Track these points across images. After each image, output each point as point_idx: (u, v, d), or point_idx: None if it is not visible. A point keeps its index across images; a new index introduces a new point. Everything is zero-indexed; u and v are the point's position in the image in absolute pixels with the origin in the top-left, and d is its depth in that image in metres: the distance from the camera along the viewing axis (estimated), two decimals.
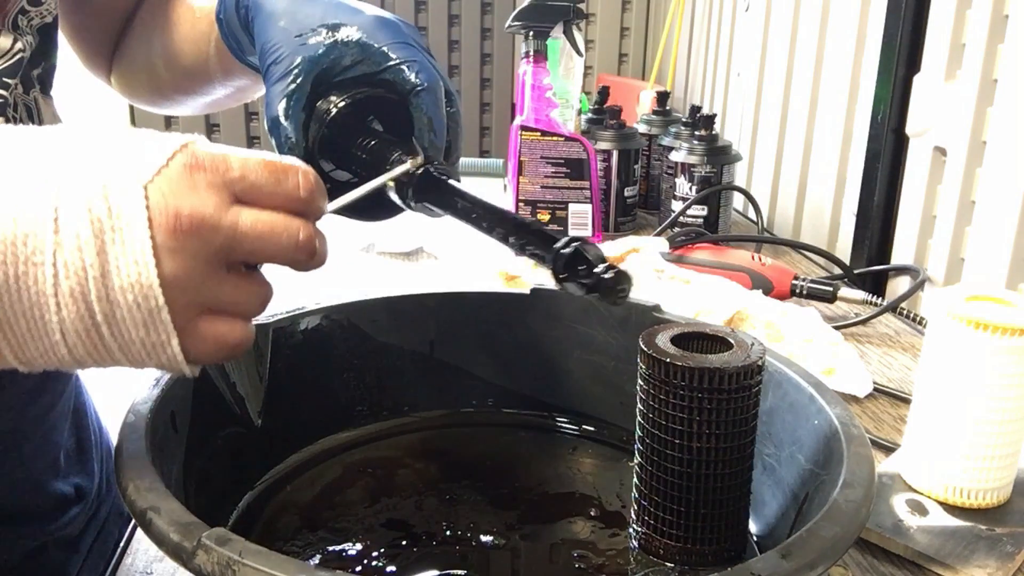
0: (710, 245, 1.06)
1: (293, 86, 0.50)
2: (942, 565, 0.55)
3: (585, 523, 0.55)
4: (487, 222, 0.46)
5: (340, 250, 1.13)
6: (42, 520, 0.69)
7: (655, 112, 1.47)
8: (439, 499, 0.57)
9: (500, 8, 2.19)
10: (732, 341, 0.47)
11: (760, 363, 0.45)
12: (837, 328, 0.88)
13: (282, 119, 0.50)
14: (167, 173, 0.37)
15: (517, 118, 1.18)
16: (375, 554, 0.51)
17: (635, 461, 0.49)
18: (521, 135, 1.16)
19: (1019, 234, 0.87)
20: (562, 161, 1.16)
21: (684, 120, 1.29)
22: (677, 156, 1.22)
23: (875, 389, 0.80)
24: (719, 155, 1.21)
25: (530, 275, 0.94)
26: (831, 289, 0.97)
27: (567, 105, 1.17)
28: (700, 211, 1.21)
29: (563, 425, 0.65)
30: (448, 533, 0.53)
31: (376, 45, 0.51)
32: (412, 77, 0.51)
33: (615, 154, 1.27)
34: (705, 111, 1.28)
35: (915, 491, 0.62)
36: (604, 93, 1.43)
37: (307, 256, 0.40)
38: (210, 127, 2.16)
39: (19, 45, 0.58)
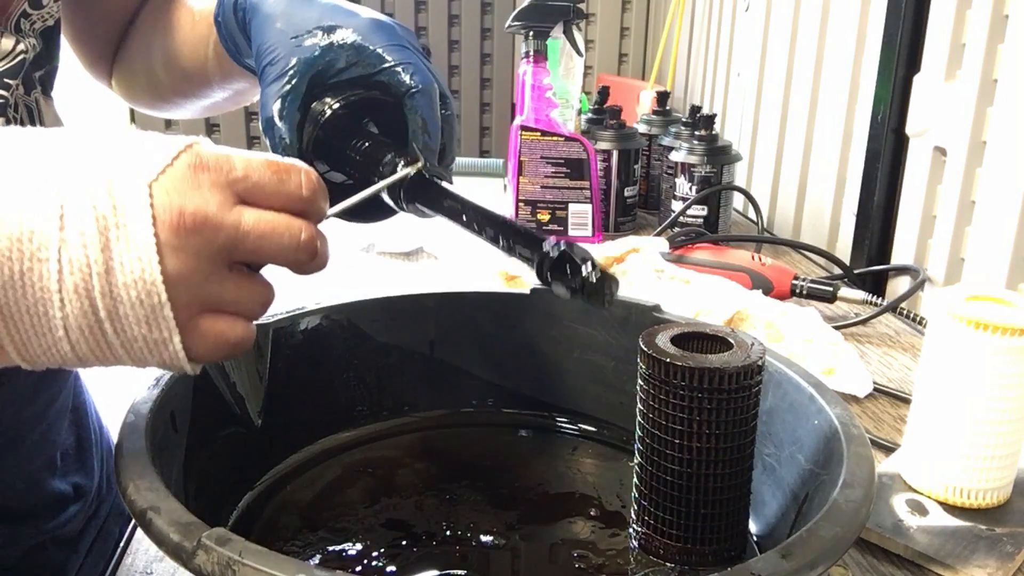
0: (710, 245, 1.06)
1: (288, 87, 0.50)
2: (942, 565, 0.55)
3: (585, 523, 0.55)
4: (477, 223, 0.46)
5: (340, 250, 1.13)
6: (40, 518, 0.69)
7: (655, 112, 1.47)
8: (439, 499, 0.57)
9: (500, 8, 2.19)
10: (732, 341, 0.47)
11: (760, 363, 0.45)
12: (837, 328, 0.88)
13: (277, 120, 0.50)
14: (171, 172, 0.37)
15: (517, 118, 1.18)
16: (375, 554, 0.51)
17: (635, 461, 0.49)
18: (521, 135, 1.16)
19: (1019, 234, 0.87)
20: (562, 161, 1.16)
21: (684, 120, 1.29)
22: (677, 156, 1.22)
23: (875, 389, 0.80)
24: (719, 155, 1.21)
25: (530, 275, 0.94)
26: (831, 289, 0.97)
27: (567, 105, 1.17)
28: (700, 211, 1.21)
29: (563, 425, 0.65)
30: (448, 533, 0.53)
31: (371, 47, 0.51)
32: (407, 79, 0.51)
33: (615, 154, 1.27)
34: (705, 111, 1.28)
35: (915, 491, 0.62)
36: (604, 93, 1.43)
37: (308, 256, 0.40)
38: (210, 128, 2.16)
39: (21, 47, 0.58)
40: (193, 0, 0.67)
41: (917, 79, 1.04)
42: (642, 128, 1.43)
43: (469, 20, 2.21)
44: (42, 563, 0.70)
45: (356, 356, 0.63)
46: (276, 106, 0.50)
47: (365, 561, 0.50)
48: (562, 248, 0.41)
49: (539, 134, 1.16)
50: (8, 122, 0.58)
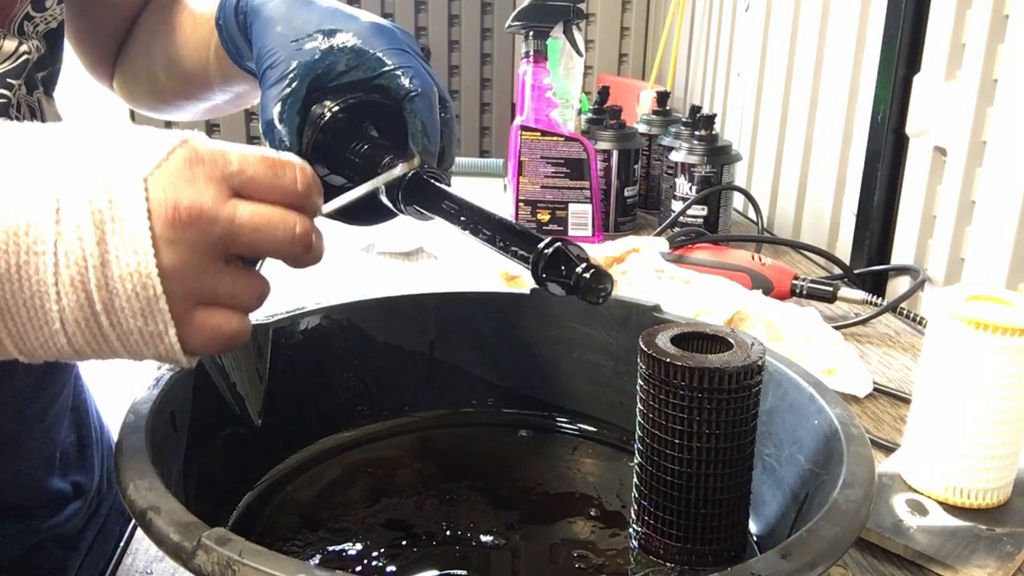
0: (710, 245, 1.06)
1: (288, 90, 0.50)
2: (942, 565, 0.55)
3: (585, 523, 0.55)
4: (474, 224, 0.46)
5: (340, 250, 1.13)
6: (40, 516, 0.69)
7: (655, 112, 1.47)
8: (439, 499, 0.57)
9: (500, 8, 2.19)
10: (732, 341, 0.47)
11: (760, 363, 0.45)
12: (837, 328, 0.88)
13: (277, 123, 0.50)
14: (167, 166, 0.37)
15: (517, 118, 1.18)
16: (375, 554, 0.51)
17: (635, 461, 0.49)
18: (521, 135, 1.16)
19: (1019, 234, 0.87)
20: (562, 161, 1.16)
21: (684, 120, 1.29)
22: (677, 156, 1.22)
23: (875, 389, 0.80)
24: (719, 155, 1.21)
25: (530, 275, 0.94)
26: (831, 289, 0.97)
27: (567, 105, 1.17)
28: (700, 211, 1.21)
29: (563, 425, 0.65)
30: (448, 533, 0.53)
31: (371, 51, 0.52)
32: (406, 83, 0.52)
33: (615, 154, 1.27)
34: (705, 111, 1.28)
35: (915, 491, 0.62)
36: (604, 93, 1.43)
37: (303, 249, 0.40)
38: (210, 127, 2.16)
39: (24, 48, 0.58)
40: (194, 3, 0.67)
41: (917, 79, 1.04)
42: (642, 128, 1.43)
43: (469, 20, 2.21)
44: (43, 561, 0.70)
45: (356, 356, 0.63)
46: (276, 109, 0.51)
47: (365, 561, 0.50)
48: (557, 245, 0.41)
49: (539, 134, 1.16)
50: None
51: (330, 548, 0.52)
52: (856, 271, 1.10)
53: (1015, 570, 0.55)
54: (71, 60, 0.73)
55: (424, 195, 0.49)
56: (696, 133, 1.22)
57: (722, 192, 1.21)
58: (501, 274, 0.95)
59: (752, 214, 1.25)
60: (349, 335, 0.62)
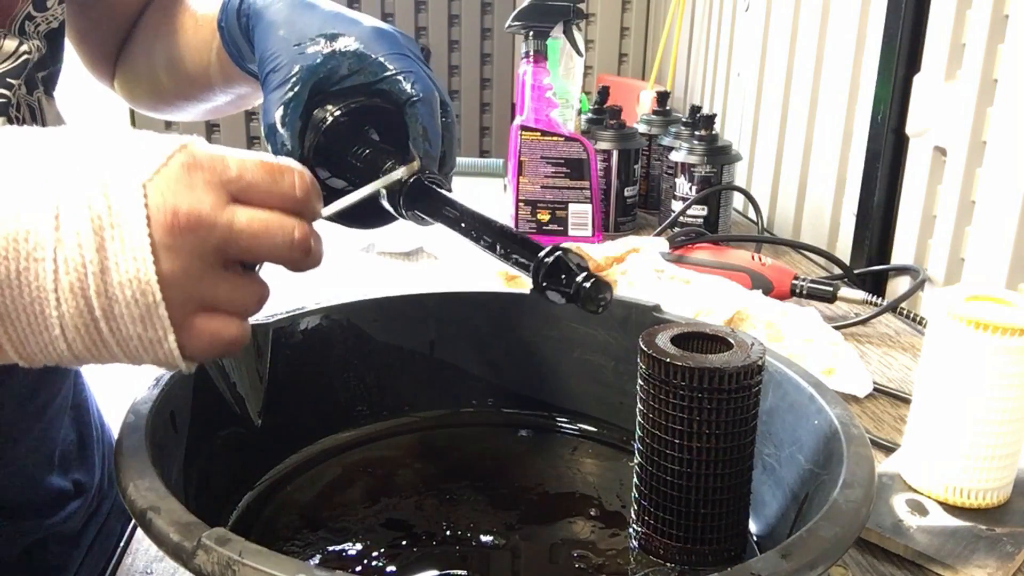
0: (710, 245, 1.06)
1: (291, 94, 0.51)
2: (942, 565, 0.55)
3: (585, 523, 0.55)
4: (475, 231, 0.46)
5: (340, 250, 1.13)
6: (39, 515, 0.69)
7: (655, 112, 1.47)
8: (439, 499, 0.57)
9: (500, 8, 2.19)
10: (732, 341, 0.47)
11: (760, 363, 0.45)
12: (837, 328, 0.88)
13: (279, 126, 0.51)
14: (166, 172, 0.37)
15: (517, 118, 1.18)
16: (375, 554, 0.51)
17: (635, 461, 0.49)
18: (521, 135, 1.16)
19: (1019, 234, 0.87)
20: (562, 161, 1.16)
21: (684, 120, 1.29)
22: (677, 156, 1.22)
23: (875, 389, 0.80)
24: (719, 155, 1.21)
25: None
26: (831, 289, 0.97)
27: (567, 105, 1.17)
28: (700, 211, 1.21)
29: (563, 425, 0.65)
30: (448, 533, 0.53)
31: (373, 55, 0.52)
32: (408, 88, 0.52)
33: (615, 154, 1.27)
34: (705, 111, 1.28)
35: (915, 491, 0.62)
36: (604, 93, 1.43)
37: (302, 255, 0.41)
38: (210, 127, 2.16)
39: (24, 48, 0.58)
40: (196, 4, 0.67)
41: (917, 79, 1.04)
42: (642, 128, 1.43)
43: (469, 20, 2.21)
44: (43, 559, 0.70)
45: (356, 356, 0.63)
46: (278, 113, 0.51)
47: (365, 561, 0.50)
48: (557, 254, 0.42)
49: (539, 134, 1.16)
50: (10, 121, 0.58)
51: (330, 548, 0.52)
52: (856, 271, 1.10)
53: (1015, 570, 0.55)
54: (72, 59, 0.73)
55: (425, 201, 0.49)
56: (696, 133, 1.22)
57: (722, 192, 1.21)
58: (501, 274, 0.95)
59: (752, 214, 1.25)
60: (349, 335, 0.62)
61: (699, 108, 1.28)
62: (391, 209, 0.51)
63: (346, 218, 0.51)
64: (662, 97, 1.46)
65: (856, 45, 1.18)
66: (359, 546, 0.52)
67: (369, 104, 0.52)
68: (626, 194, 1.29)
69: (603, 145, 1.27)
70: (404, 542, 0.52)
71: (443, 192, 0.49)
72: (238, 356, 0.54)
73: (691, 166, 1.20)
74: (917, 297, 1.01)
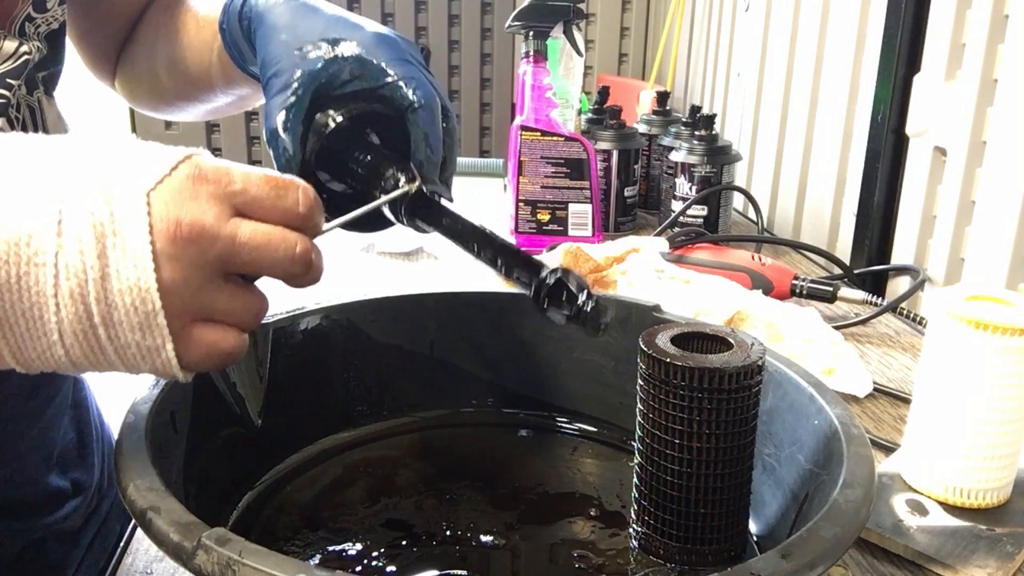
0: (710, 245, 1.06)
1: (292, 99, 0.51)
2: (942, 565, 0.55)
3: (585, 523, 0.55)
4: (476, 244, 0.47)
5: (340, 250, 1.13)
6: (37, 514, 0.69)
7: (655, 112, 1.47)
8: (439, 499, 0.57)
9: (500, 8, 2.19)
10: (732, 341, 0.47)
11: (760, 363, 0.45)
12: (837, 328, 0.88)
13: (280, 131, 0.51)
14: (170, 182, 0.38)
15: (517, 118, 1.18)
16: (375, 554, 0.51)
17: (635, 461, 0.49)
18: (521, 135, 1.16)
19: (1019, 234, 0.87)
20: (562, 161, 1.16)
21: (684, 120, 1.29)
22: (677, 156, 1.22)
23: (875, 389, 0.80)
24: (719, 155, 1.21)
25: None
26: (831, 289, 0.97)
27: (567, 105, 1.17)
28: (700, 211, 1.21)
29: (563, 425, 0.65)
30: (448, 533, 0.53)
31: (375, 61, 0.52)
32: (410, 94, 0.52)
33: (615, 154, 1.27)
34: (705, 111, 1.28)
35: (915, 491, 0.62)
36: (604, 93, 1.43)
37: (303, 269, 0.41)
38: (210, 127, 2.16)
39: (24, 49, 0.58)
40: (197, 5, 0.67)
41: (917, 79, 1.04)
42: (642, 128, 1.43)
43: (469, 20, 2.21)
44: (42, 557, 0.70)
45: (356, 356, 0.63)
46: (280, 118, 0.51)
47: (365, 561, 0.50)
48: (559, 275, 0.42)
49: (539, 134, 1.16)
50: (9, 122, 0.58)
51: (330, 548, 0.52)
52: (856, 271, 1.10)
53: (1015, 570, 0.55)
54: (73, 59, 0.73)
55: (427, 211, 0.50)
56: (696, 133, 1.22)
57: (722, 192, 1.21)
58: None
59: (752, 214, 1.25)
60: (349, 335, 0.62)
61: (699, 108, 1.28)
62: (391, 217, 0.51)
63: (344, 224, 0.52)
64: (662, 97, 1.46)
65: (856, 45, 1.18)
66: (359, 546, 0.52)
67: (371, 109, 0.52)
68: (626, 194, 1.29)
69: (603, 145, 1.27)
70: (404, 542, 0.52)
71: (444, 204, 0.49)
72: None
73: (691, 166, 1.20)
74: (917, 297, 1.01)
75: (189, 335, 0.39)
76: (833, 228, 1.25)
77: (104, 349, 0.38)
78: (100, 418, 0.80)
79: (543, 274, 0.43)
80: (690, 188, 1.21)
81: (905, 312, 0.94)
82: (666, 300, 0.63)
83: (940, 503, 0.61)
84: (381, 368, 0.63)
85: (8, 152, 0.38)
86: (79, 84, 0.77)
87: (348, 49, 0.52)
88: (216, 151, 2.23)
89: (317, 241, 0.42)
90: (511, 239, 1.18)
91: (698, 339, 0.49)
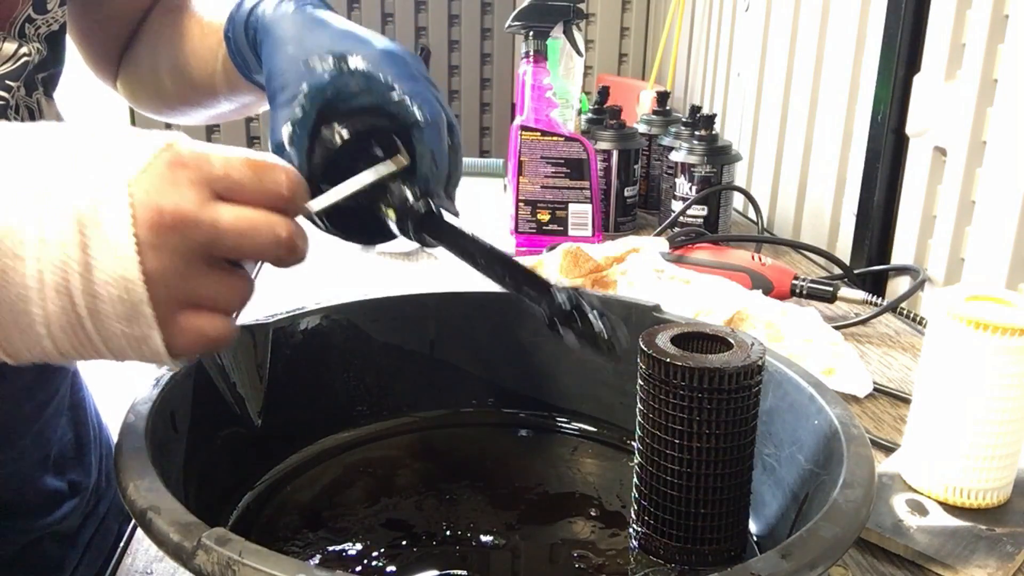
0: (710, 245, 1.06)
1: (299, 114, 0.50)
2: (942, 565, 0.55)
3: (585, 523, 0.55)
4: (484, 261, 0.47)
5: (340, 250, 1.13)
6: (34, 515, 0.69)
7: (655, 112, 1.47)
8: (439, 499, 0.57)
9: (500, 8, 2.19)
10: (732, 341, 0.47)
11: (760, 363, 0.45)
12: (837, 328, 0.88)
13: (287, 145, 0.50)
14: (150, 170, 0.37)
15: (517, 118, 1.18)
16: (375, 554, 0.51)
17: (635, 461, 0.49)
18: (521, 135, 1.16)
19: (1019, 234, 0.87)
20: (562, 161, 1.16)
21: (684, 120, 1.29)
22: (677, 156, 1.22)
23: (875, 389, 0.80)
24: (719, 155, 1.21)
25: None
26: (831, 289, 0.97)
27: (567, 105, 1.17)
28: (700, 211, 1.21)
29: (563, 425, 0.65)
30: (448, 533, 0.53)
31: (381, 77, 0.51)
32: (416, 112, 0.51)
33: (615, 154, 1.27)
34: (705, 111, 1.28)
35: (915, 491, 0.62)
36: (604, 93, 1.43)
37: (287, 252, 0.41)
38: (211, 128, 2.16)
39: (24, 50, 0.58)
40: (202, 9, 0.67)
41: (917, 79, 1.04)
42: (642, 128, 1.43)
43: (469, 20, 2.21)
44: (39, 558, 0.70)
45: (356, 356, 0.63)
46: (286, 132, 0.50)
47: (365, 561, 0.50)
48: (573, 300, 0.42)
49: (539, 134, 1.16)
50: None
51: (330, 548, 0.52)
52: (856, 271, 1.10)
53: (1015, 570, 0.55)
54: (74, 59, 0.73)
55: (435, 227, 0.50)
56: (696, 133, 1.22)
57: (722, 192, 1.21)
58: None
59: (752, 214, 1.25)
60: (349, 335, 0.62)
61: (699, 108, 1.28)
62: (397, 231, 0.51)
63: (347, 231, 0.53)
64: (662, 97, 1.46)
65: (856, 45, 1.18)
66: (359, 546, 0.52)
67: (377, 125, 0.52)
68: (626, 194, 1.29)
69: (603, 145, 1.27)
70: (404, 542, 0.52)
71: (452, 221, 0.50)
72: (238, 356, 0.55)
73: (691, 166, 1.20)
74: (917, 297, 1.01)
75: (176, 322, 0.39)
76: (833, 228, 1.25)
77: (91, 339, 0.38)
78: (98, 419, 0.80)
79: (558, 299, 0.43)
80: (690, 188, 1.21)
81: (905, 312, 0.94)
82: (666, 300, 0.63)
83: (940, 503, 0.61)
84: (381, 368, 0.63)
85: None
86: (79, 84, 0.77)
87: (355, 64, 0.51)
88: None
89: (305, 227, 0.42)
90: (512, 239, 1.18)
91: (698, 339, 0.49)
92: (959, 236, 0.97)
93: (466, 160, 1.67)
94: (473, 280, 0.56)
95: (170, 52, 0.69)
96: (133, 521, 0.52)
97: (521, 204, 1.18)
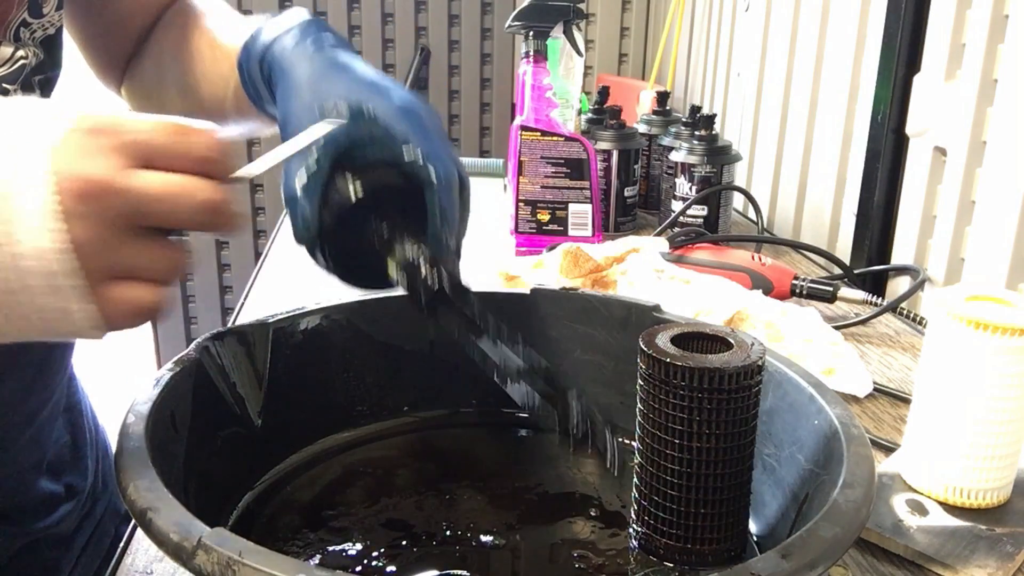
0: (710, 245, 1.06)
1: (313, 166, 0.50)
2: (942, 565, 0.55)
3: (585, 523, 0.55)
4: (488, 359, 0.48)
5: None
6: (30, 518, 0.69)
7: (655, 112, 1.47)
8: (439, 499, 0.57)
9: (500, 8, 2.19)
10: (732, 341, 0.47)
11: (760, 363, 0.45)
12: (837, 328, 0.88)
13: (300, 198, 0.50)
14: (70, 138, 0.37)
15: (517, 118, 1.18)
16: (375, 554, 0.51)
17: (635, 461, 0.49)
18: (521, 135, 1.16)
19: (1019, 234, 0.87)
20: (562, 161, 1.16)
21: (684, 120, 1.29)
22: (677, 156, 1.22)
23: (875, 389, 0.80)
24: (719, 155, 1.21)
25: (530, 275, 0.94)
26: (831, 289, 0.97)
27: (567, 105, 1.17)
28: (700, 211, 1.21)
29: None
30: (448, 533, 0.53)
31: (396, 133, 0.51)
32: (430, 172, 0.51)
33: (615, 154, 1.27)
34: (705, 111, 1.28)
35: (915, 491, 0.62)
36: (604, 93, 1.43)
37: (212, 217, 0.40)
38: None
39: (21, 53, 0.58)
40: (214, 27, 0.66)
41: (917, 79, 1.04)
42: (642, 128, 1.43)
43: (469, 20, 2.21)
44: (35, 561, 0.70)
45: (356, 356, 0.63)
46: (300, 183, 0.50)
47: (365, 561, 0.50)
48: (588, 413, 0.43)
49: (539, 134, 1.16)
50: None
51: (330, 548, 0.52)
52: (856, 271, 1.10)
53: (1015, 570, 0.55)
54: (74, 62, 0.73)
55: (445, 311, 0.51)
56: (696, 133, 1.22)
57: (722, 192, 1.21)
58: (501, 274, 0.95)
59: (752, 214, 1.25)
60: (349, 335, 0.62)
61: (699, 108, 1.28)
62: (410, 301, 0.52)
63: (348, 274, 0.54)
64: (662, 97, 1.46)
65: (856, 45, 1.18)
66: (359, 546, 0.52)
67: (390, 182, 0.52)
68: (626, 194, 1.29)
69: (603, 145, 1.27)
70: (404, 542, 0.52)
71: (465, 312, 0.51)
72: (238, 355, 0.55)
73: (691, 166, 1.20)
74: (917, 297, 1.01)
75: (106, 293, 0.38)
76: (833, 228, 1.25)
77: (25, 315, 0.37)
78: (94, 421, 0.80)
79: (574, 416, 0.45)
80: (690, 188, 1.21)
81: (905, 312, 0.94)
82: (666, 300, 0.63)
83: (940, 503, 0.61)
84: (381, 368, 0.63)
85: None
86: (78, 86, 0.76)
87: (371, 117, 0.51)
88: None
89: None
90: (512, 239, 1.18)
91: (698, 339, 0.49)
92: (959, 236, 0.97)
93: (466, 160, 1.68)
94: (473, 280, 0.56)
95: (179, 69, 0.68)
96: (133, 521, 0.52)
97: (521, 204, 1.18)
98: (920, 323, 0.93)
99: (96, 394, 0.81)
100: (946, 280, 0.99)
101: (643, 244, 0.98)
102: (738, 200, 1.41)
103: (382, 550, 0.51)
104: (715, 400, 0.45)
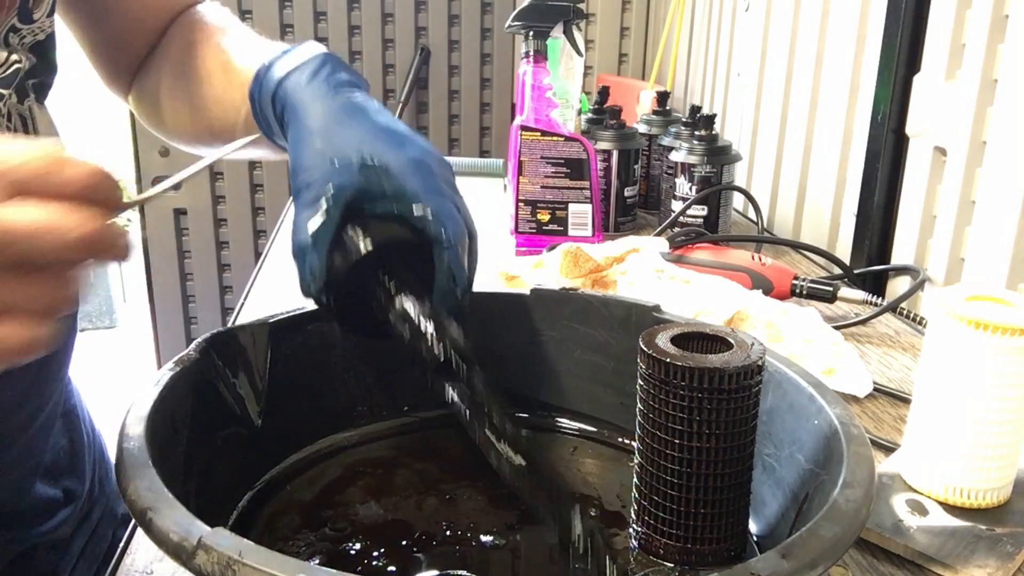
0: (710, 245, 1.06)
1: (323, 217, 0.50)
2: (942, 565, 0.55)
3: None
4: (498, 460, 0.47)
5: None
6: (27, 524, 0.69)
7: (655, 112, 1.47)
8: (439, 499, 0.57)
9: (500, 8, 2.19)
10: (732, 341, 0.47)
11: (760, 363, 0.45)
12: (837, 328, 0.88)
13: (310, 248, 0.50)
14: None
15: (517, 118, 1.18)
16: (375, 554, 0.51)
17: (635, 461, 0.49)
18: (521, 135, 1.16)
19: (1019, 234, 0.87)
20: (562, 161, 1.16)
21: (684, 120, 1.29)
22: (677, 156, 1.22)
23: (875, 389, 0.80)
24: (719, 155, 1.21)
25: (530, 275, 0.94)
26: (831, 289, 0.97)
27: (567, 105, 1.17)
28: (700, 211, 1.21)
29: (563, 425, 0.65)
30: (448, 533, 0.53)
31: (408, 190, 0.51)
32: (441, 231, 0.51)
33: (615, 154, 1.27)
34: (705, 111, 1.28)
35: (915, 491, 0.62)
36: (604, 93, 1.43)
37: (90, 250, 0.37)
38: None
39: (15, 58, 0.58)
40: (228, 45, 0.65)
41: (917, 79, 1.04)
42: (642, 128, 1.43)
43: (469, 20, 2.21)
44: (32, 567, 0.70)
45: (356, 356, 0.63)
46: (310, 234, 0.50)
47: (365, 561, 0.50)
48: (590, 533, 0.43)
49: (539, 134, 1.16)
50: (1, 131, 0.58)
51: (330, 548, 0.52)
52: (856, 271, 1.10)
53: (1015, 570, 0.55)
54: (75, 67, 0.72)
55: (452, 382, 0.51)
56: (696, 133, 1.22)
57: (722, 192, 1.21)
58: (501, 274, 0.95)
59: (752, 214, 1.25)
60: (349, 335, 0.62)
61: (699, 108, 1.28)
62: (416, 365, 0.52)
63: (351, 322, 0.54)
64: (662, 97, 1.47)
65: (856, 45, 1.18)
66: (359, 546, 0.52)
67: (400, 238, 0.52)
68: (626, 194, 1.29)
69: (603, 145, 1.27)
70: (404, 542, 0.52)
71: (467, 387, 0.51)
72: (237, 357, 0.54)
73: (691, 166, 1.20)
74: (917, 297, 1.01)
75: None
76: (833, 228, 1.25)
77: None
78: (92, 425, 0.79)
79: (575, 529, 0.43)
80: (690, 188, 1.21)
81: (905, 312, 0.94)
82: (666, 300, 0.63)
83: (940, 503, 0.61)
84: (381, 368, 0.63)
85: None
86: (78, 87, 0.76)
87: (383, 171, 0.51)
88: (218, 174, 2.23)
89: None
90: (512, 239, 1.18)
91: (698, 339, 0.49)
92: (959, 236, 0.97)
93: (466, 160, 1.68)
94: (473, 280, 0.56)
95: (189, 88, 0.68)
96: (132, 522, 0.52)
97: (521, 204, 1.18)
98: (920, 323, 0.93)
99: (94, 398, 0.81)
100: (946, 280, 0.99)
101: (643, 244, 0.98)
102: (738, 200, 1.41)
103: (382, 550, 0.51)
104: (715, 400, 0.45)
